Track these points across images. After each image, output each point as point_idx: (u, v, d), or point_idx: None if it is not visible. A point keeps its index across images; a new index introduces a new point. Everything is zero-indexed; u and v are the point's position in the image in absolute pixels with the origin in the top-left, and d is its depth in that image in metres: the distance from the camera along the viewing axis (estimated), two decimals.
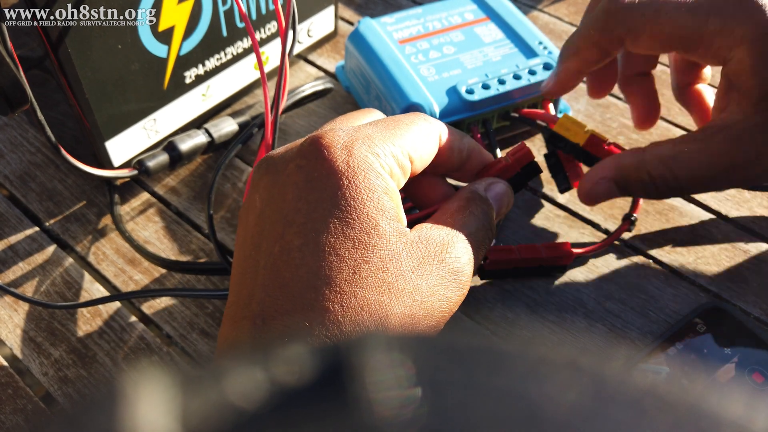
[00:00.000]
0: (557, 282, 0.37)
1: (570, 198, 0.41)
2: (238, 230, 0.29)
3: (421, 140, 0.28)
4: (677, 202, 0.41)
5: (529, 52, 0.43)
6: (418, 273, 0.25)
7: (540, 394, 0.10)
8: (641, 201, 0.39)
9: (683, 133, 0.45)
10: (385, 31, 0.44)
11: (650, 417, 0.10)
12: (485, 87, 0.40)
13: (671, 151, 0.32)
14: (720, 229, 0.39)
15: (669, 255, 0.38)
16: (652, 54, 0.33)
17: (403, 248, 0.25)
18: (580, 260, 0.38)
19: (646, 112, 0.38)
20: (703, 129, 0.32)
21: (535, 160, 0.32)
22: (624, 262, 0.38)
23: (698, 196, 0.41)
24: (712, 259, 0.38)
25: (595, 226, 0.40)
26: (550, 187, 0.42)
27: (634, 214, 0.38)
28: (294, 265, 0.25)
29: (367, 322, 0.24)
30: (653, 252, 0.38)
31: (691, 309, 0.35)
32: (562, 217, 0.40)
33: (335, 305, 0.24)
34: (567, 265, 0.37)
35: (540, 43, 0.43)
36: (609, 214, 0.40)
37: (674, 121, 0.46)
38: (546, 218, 0.40)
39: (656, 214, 0.40)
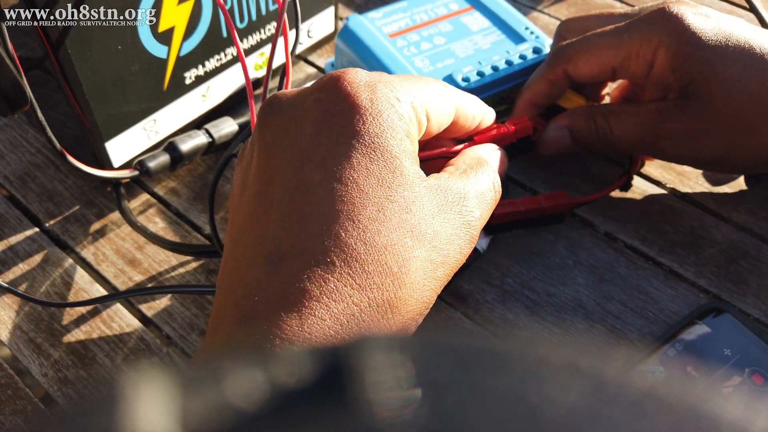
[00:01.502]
0: (557, 282, 0.37)
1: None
2: (237, 172, 0.28)
3: (439, 102, 0.28)
4: (677, 203, 0.41)
5: (517, 37, 0.44)
6: (438, 219, 0.25)
7: (540, 396, 0.10)
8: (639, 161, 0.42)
9: None
10: (375, 27, 0.44)
11: (650, 418, 0.10)
12: (480, 74, 0.41)
13: (615, 109, 0.37)
14: (720, 230, 0.39)
15: (669, 255, 0.38)
16: (594, 77, 0.37)
17: (426, 192, 0.25)
18: (581, 261, 0.38)
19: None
20: (643, 102, 0.37)
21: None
22: (624, 262, 0.38)
23: (698, 197, 0.41)
24: (711, 259, 0.38)
25: (591, 225, 0.40)
26: (547, 186, 0.42)
27: (633, 172, 0.41)
28: (314, 200, 0.24)
29: (390, 263, 0.24)
30: (653, 253, 0.38)
31: (691, 310, 0.35)
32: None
33: (358, 243, 0.23)
34: (565, 215, 0.38)
35: (527, 28, 0.44)
36: (608, 215, 0.40)
37: None
38: None
39: (656, 215, 0.40)
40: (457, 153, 0.30)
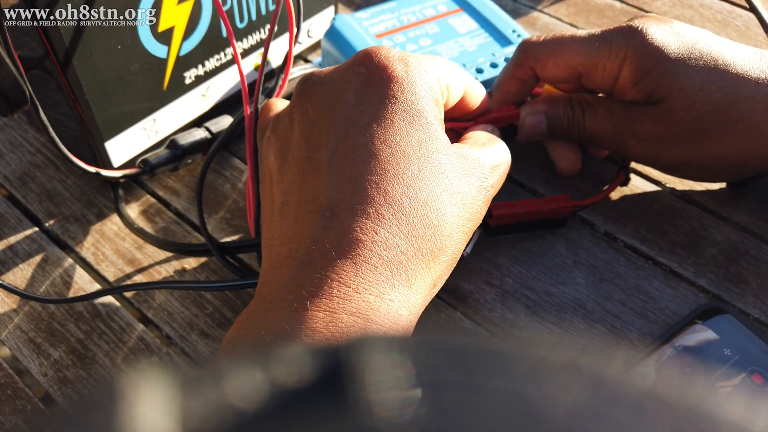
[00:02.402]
0: (557, 282, 0.37)
1: None
2: (271, 143, 0.30)
3: (455, 79, 0.30)
4: (677, 203, 0.41)
5: (503, 40, 0.44)
6: (466, 181, 0.28)
7: (539, 396, 0.10)
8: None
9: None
10: (361, 27, 0.44)
11: (649, 418, 0.10)
12: None
13: (591, 100, 0.38)
14: (720, 230, 0.39)
15: (669, 255, 0.38)
16: (561, 80, 0.38)
17: (455, 156, 0.28)
18: (581, 261, 0.38)
19: (570, 162, 0.41)
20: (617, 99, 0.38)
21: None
22: (624, 262, 0.38)
23: (698, 197, 0.41)
24: (711, 259, 0.38)
25: (591, 225, 0.40)
26: (547, 186, 0.42)
27: (630, 166, 0.41)
28: (361, 161, 0.26)
29: (431, 216, 0.26)
30: (653, 253, 0.38)
31: (691, 310, 0.35)
32: None
33: (404, 198, 0.26)
34: (567, 218, 0.38)
35: (513, 31, 0.44)
36: (608, 215, 0.40)
37: None
38: None
39: (655, 216, 0.40)
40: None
